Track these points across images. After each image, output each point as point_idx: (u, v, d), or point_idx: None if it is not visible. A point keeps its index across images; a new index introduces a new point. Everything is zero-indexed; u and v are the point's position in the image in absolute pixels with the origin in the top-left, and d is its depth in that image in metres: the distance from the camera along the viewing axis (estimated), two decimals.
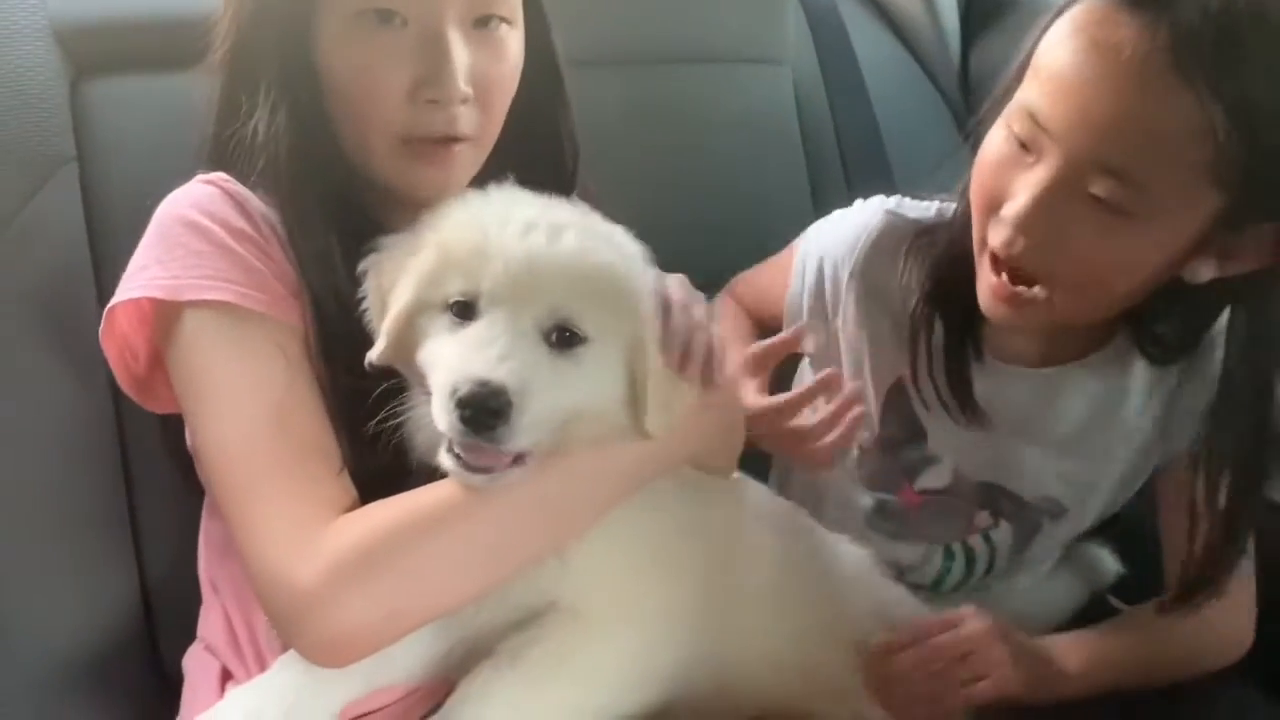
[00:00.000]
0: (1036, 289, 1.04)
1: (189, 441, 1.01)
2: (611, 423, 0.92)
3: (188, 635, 1.10)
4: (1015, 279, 1.05)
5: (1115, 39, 0.95)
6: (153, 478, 1.20)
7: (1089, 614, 1.26)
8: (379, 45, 0.96)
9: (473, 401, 0.80)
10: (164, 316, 0.95)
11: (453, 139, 0.99)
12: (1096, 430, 1.20)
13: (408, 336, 0.90)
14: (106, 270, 1.16)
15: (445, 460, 0.86)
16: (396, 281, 0.91)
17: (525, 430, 0.82)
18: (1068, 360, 1.18)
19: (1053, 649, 1.15)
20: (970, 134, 1.15)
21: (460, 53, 0.96)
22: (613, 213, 1.04)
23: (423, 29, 0.96)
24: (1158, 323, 1.14)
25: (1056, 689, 1.13)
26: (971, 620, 1.09)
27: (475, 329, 0.86)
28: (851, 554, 1.14)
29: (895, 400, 1.23)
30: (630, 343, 0.90)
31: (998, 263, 1.06)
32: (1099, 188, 0.97)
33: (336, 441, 0.93)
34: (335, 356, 0.95)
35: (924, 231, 1.20)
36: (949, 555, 1.28)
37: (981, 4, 1.82)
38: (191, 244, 0.95)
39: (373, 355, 0.91)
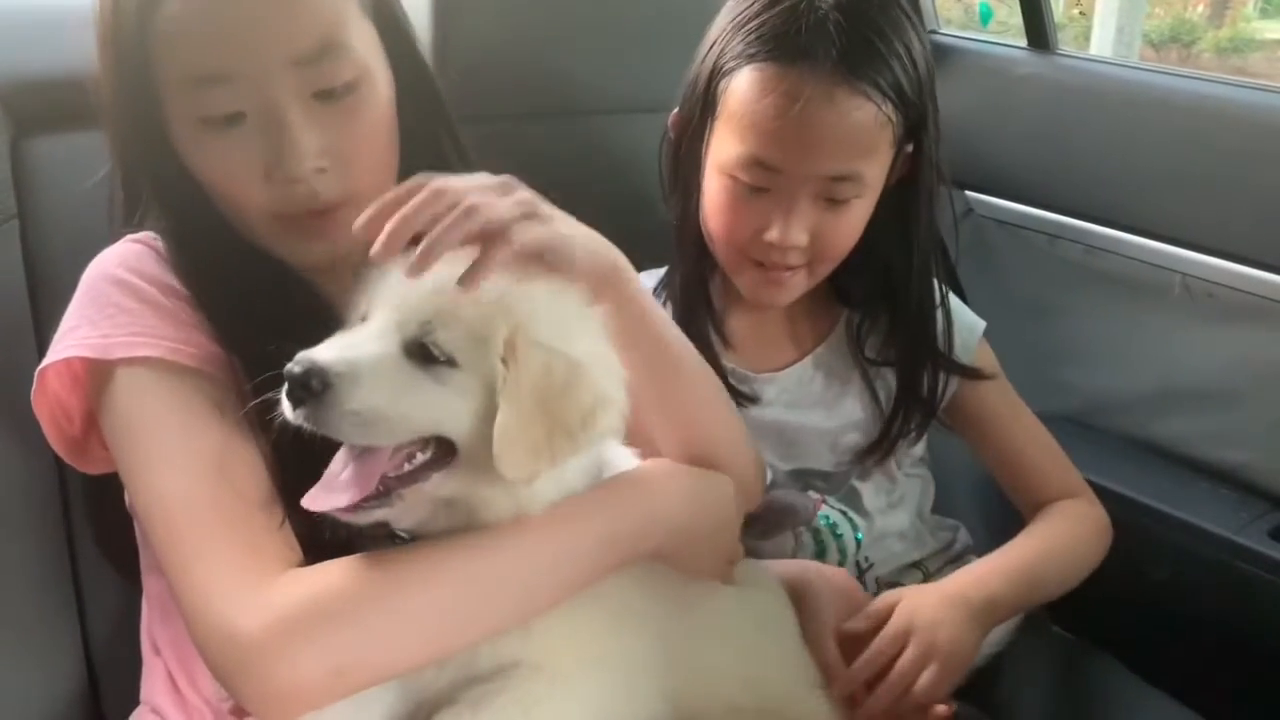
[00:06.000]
0: (801, 270, 1.27)
1: (128, 501, 1.00)
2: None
3: (132, 701, 1.08)
4: (785, 269, 1.26)
5: (803, 88, 1.16)
6: (96, 541, 1.18)
7: (1026, 640, 1.30)
8: (225, 141, 0.95)
9: (290, 375, 0.81)
10: (96, 376, 0.94)
11: (320, 210, 0.98)
12: (836, 400, 1.37)
13: None
14: (47, 329, 1.13)
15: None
16: None
17: (352, 418, 0.81)
18: (801, 357, 1.37)
19: (973, 586, 1.19)
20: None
21: (303, 131, 0.95)
22: None
23: (261, 118, 0.94)
24: (853, 284, 1.37)
25: (996, 619, 1.19)
26: (891, 624, 1.13)
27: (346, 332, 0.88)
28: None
29: None
30: (495, 378, 0.88)
31: (762, 265, 1.26)
32: (834, 193, 1.22)
33: (276, 495, 0.92)
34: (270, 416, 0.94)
35: (660, 286, 1.39)
36: (816, 538, 1.34)
37: None
38: (121, 302, 0.95)
39: None
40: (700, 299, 1.34)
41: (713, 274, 1.36)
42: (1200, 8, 8.04)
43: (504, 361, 0.87)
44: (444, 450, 0.88)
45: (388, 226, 0.84)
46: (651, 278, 1.40)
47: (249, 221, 0.99)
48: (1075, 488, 1.36)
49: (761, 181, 1.22)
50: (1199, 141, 1.52)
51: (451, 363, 0.86)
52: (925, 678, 1.09)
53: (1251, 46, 7.56)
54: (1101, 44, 5.80)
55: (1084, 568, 1.30)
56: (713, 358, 1.30)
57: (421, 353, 0.86)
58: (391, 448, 0.86)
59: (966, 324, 1.40)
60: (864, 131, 1.19)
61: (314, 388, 0.80)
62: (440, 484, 0.88)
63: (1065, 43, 1.81)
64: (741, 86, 1.21)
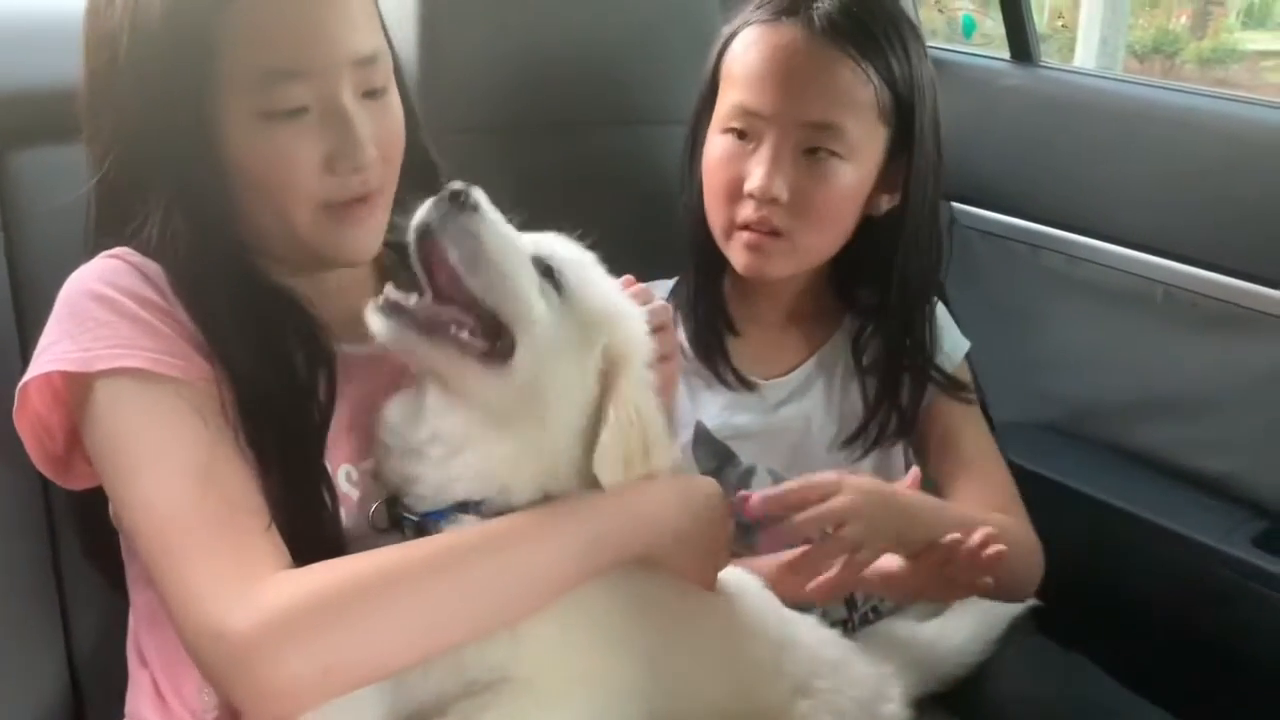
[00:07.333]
0: (784, 241, 1.29)
1: (112, 513, 1.00)
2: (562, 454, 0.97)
3: (116, 714, 1.08)
4: (767, 234, 1.29)
5: (786, 39, 1.28)
6: (81, 555, 1.17)
7: (1010, 647, 1.31)
8: (288, 133, 0.98)
9: (454, 183, 0.95)
10: (77, 390, 0.95)
11: (363, 197, 1.02)
12: (836, 402, 1.39)
13: None
14: (32, 343, 1.13)
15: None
16: None
17: (468, 236, 0.93)
18: (802, 361, 1.40)
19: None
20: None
21: (363, 123, 1.00)
22: None
23: (324, 111, 0.98)
24: (858, 287, 1.41)
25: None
26: (840, 496, 1.09)
27: None
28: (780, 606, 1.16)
29: (701, 438, 1.36)
30: (607, 354, 0.99)
31: (749, 228, 1.30)
32: (812, 140, 1.26)
33: (263, 500, 0.93)
34: (262, 430, 0.95)
35: (673, 291, 1.42)
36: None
37: None
38: (99, 315, 0.95)
39: None
40: (713, 303, 1.39)
41: (723, 275, 1.40)
42: (1183, 19, 8.11)
43: (603, 373, 0.98)
44: (494, 355, 0.95)
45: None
46: (660, 287, 1.42)
47: (293, 215, 1.01)
48: (1019, 512, 1.33)
49: (747, 127, 1.29)
50: (1181, 152, 1.54)
51: (558, 288, 0.98)
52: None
53: (1234, 57, 7.62)
54: (1085, 56, 5.84)
55: (1021, 573, 1.26)
56: (725, 361, 1.36)
57: (542, 269, 0.98)
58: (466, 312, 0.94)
59: (953, 339, 1.43)
60: (842, 82, 1.27)
61: (466, 201, 0.93)
62: (460, 370, 0.95)
63: (1049, 54, 1.83)
64: (737, 48, 1.33)
